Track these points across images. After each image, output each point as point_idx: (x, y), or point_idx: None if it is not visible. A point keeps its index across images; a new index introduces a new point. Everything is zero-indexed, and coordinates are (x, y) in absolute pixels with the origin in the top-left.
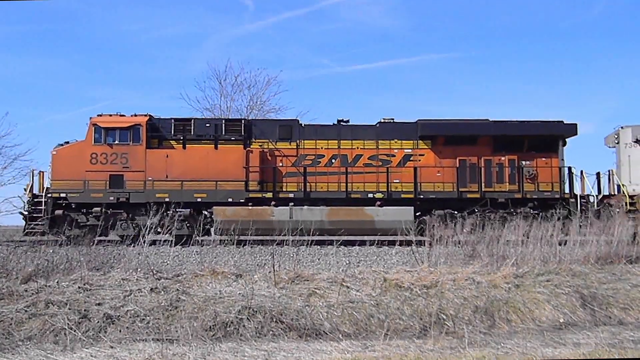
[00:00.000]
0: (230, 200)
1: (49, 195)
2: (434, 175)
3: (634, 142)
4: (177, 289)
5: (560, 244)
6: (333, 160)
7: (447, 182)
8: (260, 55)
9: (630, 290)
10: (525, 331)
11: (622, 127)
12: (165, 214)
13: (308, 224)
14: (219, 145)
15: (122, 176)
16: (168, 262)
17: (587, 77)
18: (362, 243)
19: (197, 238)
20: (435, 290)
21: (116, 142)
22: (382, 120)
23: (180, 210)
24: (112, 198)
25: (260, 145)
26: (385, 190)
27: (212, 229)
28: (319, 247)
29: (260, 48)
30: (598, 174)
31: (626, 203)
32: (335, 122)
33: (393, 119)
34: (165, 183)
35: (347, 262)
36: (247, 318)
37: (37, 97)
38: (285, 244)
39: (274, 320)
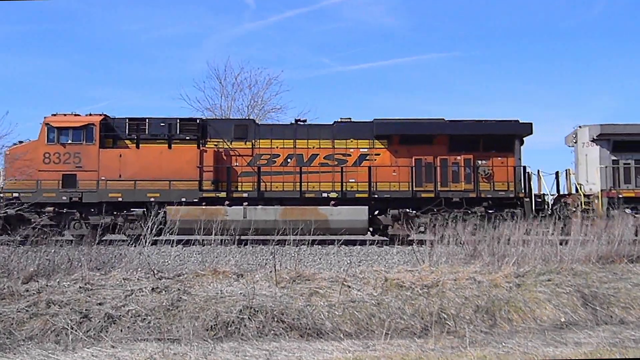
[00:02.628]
0: (183, 200)
1: (1, 195)
2: (389, 175)
3: (591, 141)
4: (179, 289)
5: (561, 244)
6: (289, 160)
7: (403, 182)
8: (261, 55)
9: (631, 290)
10: (526, 330)
11: (580, 127)
12: (118, 213)
13: (262, 224)
14: (172, 145)
15: (75, 176)
16: (169, 261)
17: (587, 77)
18: (362, 243)
19: (155, 238)
20: (437, 290)
21: (69, 141)
22: (339, 120)
23: (133, 210)
24: (64, 198)
25: (215, 145)
26: (340, 189)
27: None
28: (320, 246)
29: (260, 48)
30: (557, 174)
31: (581, 202)
32: (293, 122)
33: (350, 119)
34: (118, 183)
35: (348, 261)
36: (249, 318)
37: (37, 97)
38: (287, 244)
39: (275, 319)
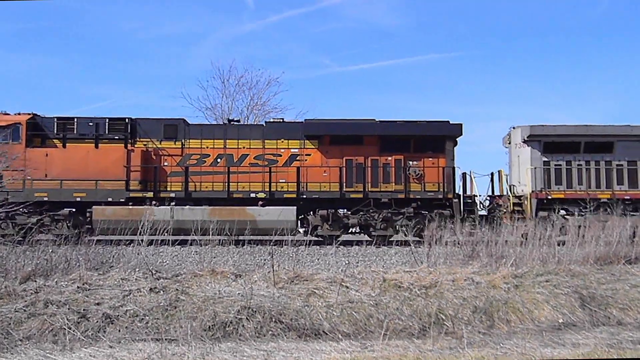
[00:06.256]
0: (110, 199)
1: None
2: (320, 175)
3: (522, 142)
4: (177, 289)
5: (559, 245)
6: (219, 160)
7: (334, 182)
8: (261, 55)
9: (629, 291)
10: (524, 331)
11: (513, 128)
12: (46, 214)
13: (189, 224)
14: (100, 145)
15: (0, 175)
16: (167, 261)
17: (590, 77)
18: (359, 243)
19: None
20: (435, 291)
21: None
22: (270, 120)
23: (65, 209)
24: None
25: (144, 145)
26: (268, 190)
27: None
28: (318, 247)
29: (260, 47)
30: (492, 175)
31: (510, 204)
32: (226, 122)
33: (282, 119)
34: (44, 182)
35: (347, 262)
36: (247, 318)
37: (36, 95)
38: (284, 244)
39: (273, 320)
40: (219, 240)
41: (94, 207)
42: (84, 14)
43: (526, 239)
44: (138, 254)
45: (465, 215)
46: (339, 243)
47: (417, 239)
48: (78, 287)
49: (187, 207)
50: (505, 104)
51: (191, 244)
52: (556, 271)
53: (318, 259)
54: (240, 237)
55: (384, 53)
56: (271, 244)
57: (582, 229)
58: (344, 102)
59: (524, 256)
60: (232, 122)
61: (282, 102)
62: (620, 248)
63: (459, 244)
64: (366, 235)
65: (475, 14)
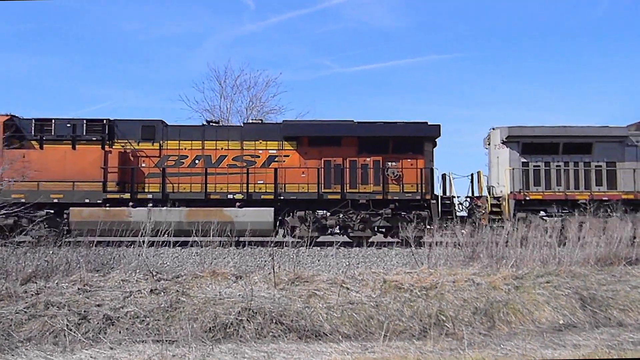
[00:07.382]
0: (87, 201)
1: None
2: (298, 176)
3: (501, 143)
4: (177, 290)
5: (559, 246)
6: (197, 161)
7: (312, 183)
8: (261, 56)
9: (629, 292)
10: (524, 333)
11: (493, 129)
12: (23, 215)
13: (167, 225)
14: (77, 146)
15: None
16: (167, 263)
17: (590, 79)
18: (359, 244)
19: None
20: (435, 292)
21: None
22: (249, 121)
23: (42, 211)
24: None
25: (122, 146)
26: (246, 191)
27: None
28: (318, 248)
29: (261, 48)
30: (472, 176)
31: (488, 205)
32: (204, 123)
33: (262, 120)
34: (21, 183)
35: (347, 263)
36: (247, 319)
37: (35, 96)
38: (285, 245)
39: (274, 321)
40: (220, 241)
41: (71, 208)
42: (84, 14)
43: (527, 239)
44: (139, 255)
45: (443, 216)
46: (339, 244)
47: (395, 240)
48: (79, 288)
49: (165, 208)
50: (505, 106)
51: (192, 245)
52: (557, 272)
53: (318, 260)
54: (242, 239)
55: (384, 54)
56: (272, 245)
57: (574, 231)
58: (345, 103)
59: (525, 257)
60: (210, 123)
61: (282, 102)
62: (620, 249)
63: (459, 245)
64: (345, 237)
65: (475, 14)
